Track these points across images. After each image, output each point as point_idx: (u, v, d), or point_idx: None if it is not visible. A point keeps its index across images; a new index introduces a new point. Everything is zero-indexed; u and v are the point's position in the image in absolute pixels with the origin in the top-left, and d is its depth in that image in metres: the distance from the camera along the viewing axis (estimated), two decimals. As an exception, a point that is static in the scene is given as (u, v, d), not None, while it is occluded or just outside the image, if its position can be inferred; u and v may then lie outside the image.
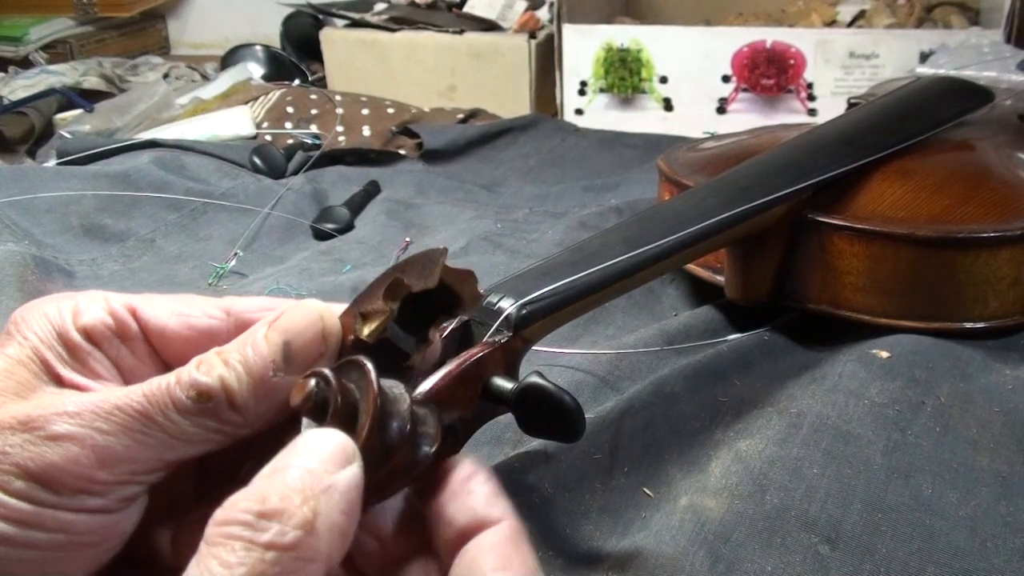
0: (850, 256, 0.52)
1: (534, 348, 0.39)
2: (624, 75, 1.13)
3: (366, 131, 1.09)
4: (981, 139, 0.63)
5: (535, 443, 0.43)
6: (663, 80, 1.12)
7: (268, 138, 1.07)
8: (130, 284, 0.71)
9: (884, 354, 0.48)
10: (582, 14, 1.15)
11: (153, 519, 0.27)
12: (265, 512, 0.21)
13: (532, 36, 1.21)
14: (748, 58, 1.09)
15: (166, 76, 1.41)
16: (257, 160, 0.94)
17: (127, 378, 0.28)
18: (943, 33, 1.06)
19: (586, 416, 0.30)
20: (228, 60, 1.44)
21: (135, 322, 0.28)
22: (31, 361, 0.26)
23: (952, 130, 0.64)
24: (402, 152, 1.04)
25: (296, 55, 1.45)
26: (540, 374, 0.29)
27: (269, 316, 0.27)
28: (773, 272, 0.54)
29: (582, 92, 1.15)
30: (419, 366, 0.29)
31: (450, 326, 0.30)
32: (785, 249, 0.54)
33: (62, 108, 1.18)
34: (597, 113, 1.15)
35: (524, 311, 0.35)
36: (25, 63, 1.51)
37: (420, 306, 0.29)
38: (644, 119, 1.14)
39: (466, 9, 1.32)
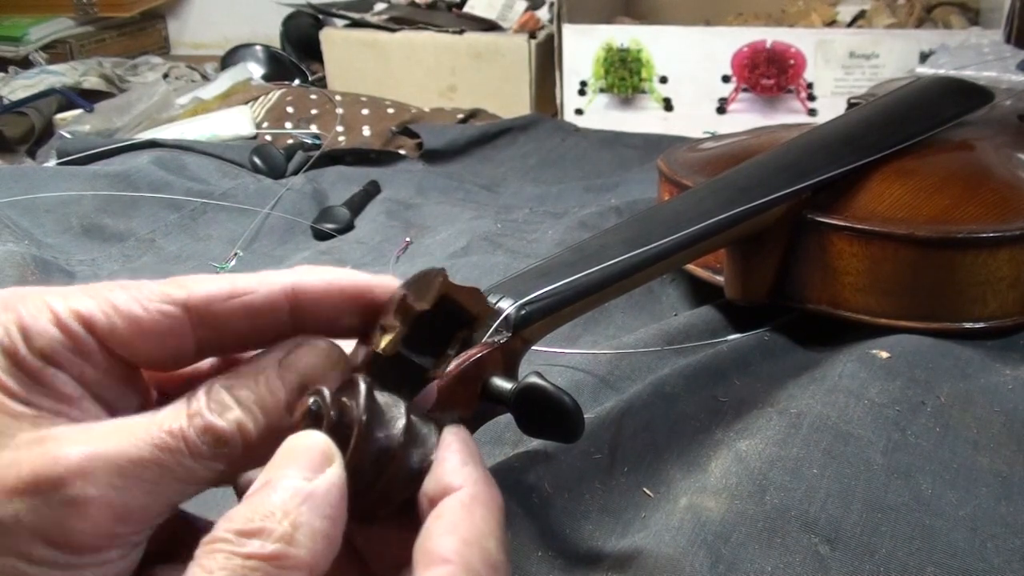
0: (850, 256, 0.52)
1: (534, 348, 0.39)
2: (624, 75, 1.13)
3: (366, 131, 1.09)
4: (981, 139, 0.63)
5: (535, 443, 0.43)
6: (663, 80, 1.12)
7: (268, 138, 1.07)
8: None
9: (884, 354, 0.48)
10: (582, 14, 1.15)
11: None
12: (246, 532, 0.22)
13: (532, 36, 1.21)
14: (748, 58, 1.09)
15: (166, 76, 1.41)
16: (257, 160, 0.94)
17: (94, 392, 0.26)
18: (943, 33, 1.06)
19: (586, 416, 0.30)
20: (228, 60, 1.44)
21: (90, 336, 0.25)
22: None
23: (952, 130, 0.64)
24: (402, 152, 1.04)
25: (296, 55, 1.45)
26: (539, 374, 0.29)
27: (277, 353, 0.26)
28: (773, 272, 0.54)
29: (582, 92, 1.15)
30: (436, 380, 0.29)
31: (457, 348, 0.30)
32: (785, 249, 0.54)
33: (62, 108, 1.18)
34: (597, 113, 1.15)
35: (523, 311, 0.35)
36: (25, 63, 1.52)
37: (436, 320, 0.29)
38: (644, 119, 1.14)
39: (466, 9, 1.32)
